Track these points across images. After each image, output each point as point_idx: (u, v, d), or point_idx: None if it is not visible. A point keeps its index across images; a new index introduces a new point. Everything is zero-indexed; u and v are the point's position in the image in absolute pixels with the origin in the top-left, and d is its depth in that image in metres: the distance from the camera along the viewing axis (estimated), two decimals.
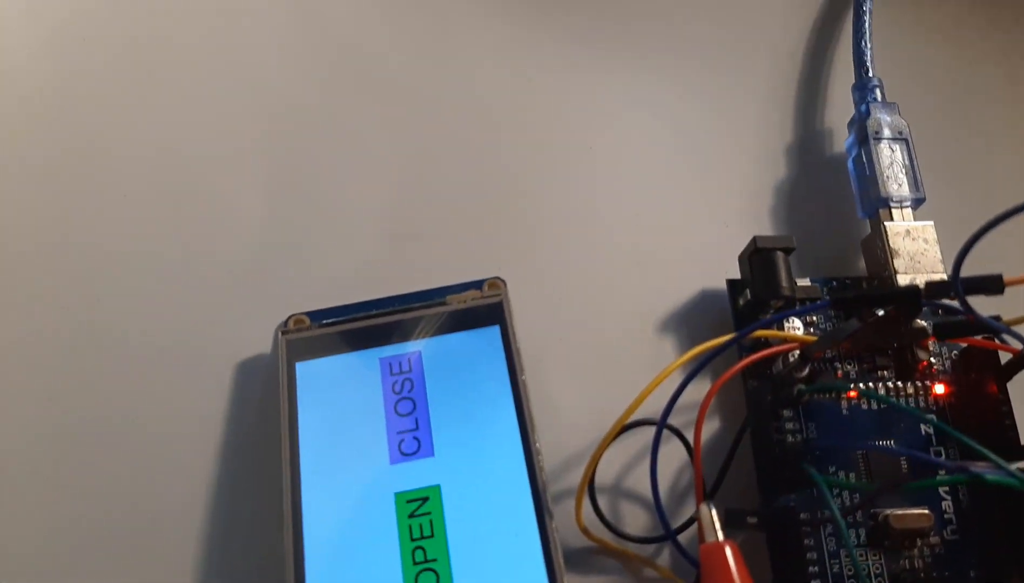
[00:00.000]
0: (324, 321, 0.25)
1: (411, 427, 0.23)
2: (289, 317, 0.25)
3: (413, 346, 0.25)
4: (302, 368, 0.24)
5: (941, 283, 0.20)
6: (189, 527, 0.23)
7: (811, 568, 0.23)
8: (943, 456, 0.24)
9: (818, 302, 0.24)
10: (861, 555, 0.23)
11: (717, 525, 0.20)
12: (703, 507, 0.20)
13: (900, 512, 0.23)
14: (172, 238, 0.27)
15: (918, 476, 0.21)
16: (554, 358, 0.26)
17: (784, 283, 0.24)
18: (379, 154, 0.29)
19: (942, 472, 0.22)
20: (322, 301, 0.26)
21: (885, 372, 0.25)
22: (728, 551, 0.19)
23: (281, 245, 0.27)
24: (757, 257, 0.25)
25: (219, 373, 0.25)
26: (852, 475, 0.24)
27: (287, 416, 0.23)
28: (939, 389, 0.25)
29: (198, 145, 0.28)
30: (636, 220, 0.28)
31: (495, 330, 0.25)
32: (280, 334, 0.25)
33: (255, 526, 0.23)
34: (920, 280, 0.25)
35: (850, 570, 0.23)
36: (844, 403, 0.25)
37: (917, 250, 0.25)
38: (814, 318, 0.26)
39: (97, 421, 0.24)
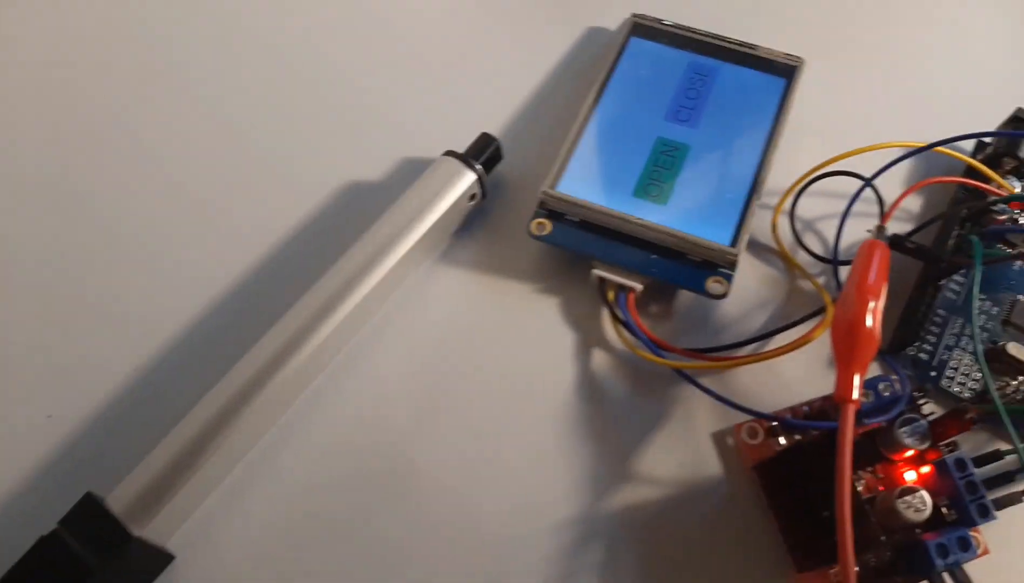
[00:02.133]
0: (664, 22, 0.33)
1: (689, 105, 0.31)
2: (641, 13, 0.34)
3: (717, 63, 0.32)
4: (634, 42, 0.33)
5: None
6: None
7: (930, 330, 0.28)
8: None
9: None
10: (968, 358, 0.28)
11: (882, 232, 0.26)
12: (877, 226, 0.26)
13: (1021, 346, 0.28)
14: None
15: None
16: (809, 123, 0.32)
17: (1022, 152, 0.29)
18: None
19: None
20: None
21: None
22: (880, 249, 0.25)
23: None
24: (1012, 123, 0.29)
25: (576, 29, 0.34)
26: (996, 309, 0.28)
27: (609, 66, 0.32)
28: None
29: None
30: (939, 52, 0.34)
31: (781, 81, 0.31)
32: (632, 15, 0.33)
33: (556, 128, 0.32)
34: None
35: (959, 351, 0.28)
36: (1019, 264, 0.29)
37: None
38: None
39: None
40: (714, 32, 0.33)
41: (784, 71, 0.32)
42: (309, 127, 0.33)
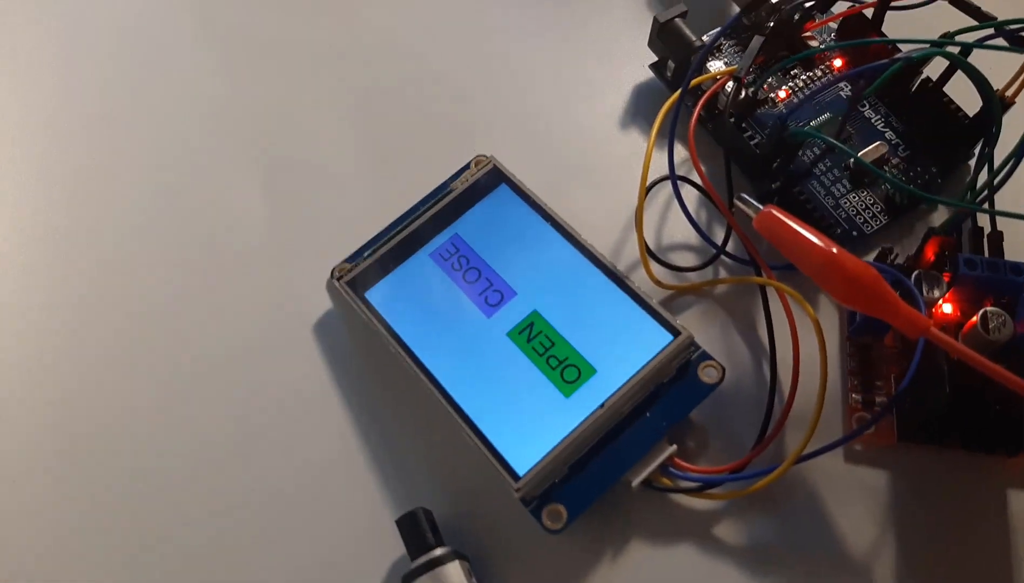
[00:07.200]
0: (364, 254, 0.28)
1: (486, 286, 0.27)
2: (332, 270, 0.28)
3: (449, 232, 0.28)
4: (372, 295, 0.27)
5: None
6: (361, 466, 0.26)
7: (821, 213, 0.28)
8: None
9: (728, 21, 0.29)
10: (854, 197, 0.29)
11: (754, 201, 0.24)
12: (737, 201, 0.25)
13: (862, 153, 0.29)
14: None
15: (868, 84, 0.26)
16: (558, 188, 0.29)
17: (694, 38, 0.29)
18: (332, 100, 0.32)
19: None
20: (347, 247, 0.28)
21: (795, 72, 0.31)
22: (775, 210, 0.24)
23: (289, 230, 0.30)
24: (664, 31, 0.30)
25: (304, 341, 0.27)
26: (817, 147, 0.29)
27: (388, 336, 0.26)
28: (837, 63, 0.31)
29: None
30: (549, 69, 0.32)
31: (503, 188, 0.28)
32: (336, 282, 0.27)
33: (412, 438, 0.26)
34: None
35: (844, 201, 0.28)
36: (779, 107, 0.30)
37: None
38: (726, 59, 0.31)
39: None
40: (406, 211, 0.29)
41: (493, 180, 0.28)
42: None
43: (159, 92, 0.32)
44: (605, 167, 0.30)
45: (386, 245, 0.28)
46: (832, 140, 0.25)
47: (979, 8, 0.28)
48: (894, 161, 0.29)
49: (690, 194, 0.28)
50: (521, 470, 0.23)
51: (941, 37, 0.28)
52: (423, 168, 0.29)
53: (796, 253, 0.23)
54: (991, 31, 0.27)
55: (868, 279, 0.22)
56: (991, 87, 0.26)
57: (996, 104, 0.26)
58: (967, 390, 0.23)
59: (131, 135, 0.31)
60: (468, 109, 0.32)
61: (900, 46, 0.28)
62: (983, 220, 0.27)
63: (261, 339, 0.27)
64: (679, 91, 0.28)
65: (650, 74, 0.31)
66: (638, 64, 0.31)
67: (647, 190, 0.27)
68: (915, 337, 0.22)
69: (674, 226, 0.28)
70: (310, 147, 0.31)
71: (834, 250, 0.22)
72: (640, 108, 0.31)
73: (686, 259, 0.28)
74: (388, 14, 0.33)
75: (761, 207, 0.24)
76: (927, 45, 0.26)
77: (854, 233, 0.28)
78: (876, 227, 0.28)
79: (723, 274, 0.28)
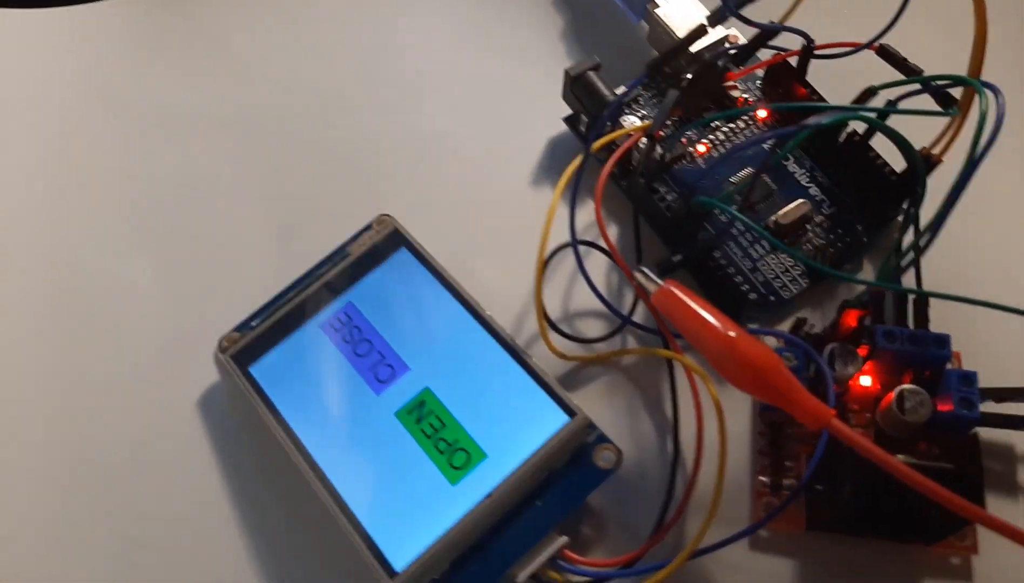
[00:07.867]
0: (252, 324, 0.26)
1: (377, 359, 0.25)
2: (220, 340, 0.26)
3: (342, 300, 0.26)
4: (256, 369, 0.25)
5: (716, 10, 0.24)
6: (241, 555, 0.24)
7: (736, 278, 0.27)
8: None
9: (635, 79, 0.27)
10: (772, 259, 0.27)
11: (654, 276, 0.23)
12: (636, 273, 0.23)
13: (783, 211, 0.27)
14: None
15: (778, 147, 0.25)
16: (463, 251, 0.28)
17: (607, 92, 0.28)
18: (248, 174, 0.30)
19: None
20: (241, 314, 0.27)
21: (717, 124, 0.29)
22: (674, 288, 0.22)
23: (178, 298, 0.28)
24: (576, 85, 0.28)
25: (186, 415, 0.26)
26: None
27: (268, 414, 0.25)
28: (762, 113, 0.29)
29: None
30: (462, 123, 0.31)
31: (403, 252, 0.27)
32: (220, 354, 0.26)
33: (292, 522, 0.24)
34: None
35: (762, 263, 0.27)
36: (700, 161, 0.29)
37: (687, 15, 0.29)
38: (644, 112, 0.29)
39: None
40: (300, 276, 0.27)
41: (392, 243, 0.27)
42: None
43: (40, 159, 0.30)
44: (513, 228, 0.28)
45: (275, 315, 0.26)
46: (737, 214, 0.24)
47: (906, 60, 0.26)
48: (818, 219, 0.28)
49: (599, 258, 0.27)
50: (398, 565, 0.22)
51: (865, 90, 0.26)
52: (325, 227, 0.28)
53: (693, 336, 0.22)
54: (917, 86, 0.26)
55: (765, 367, 0.20)
56: (915, 150, 0.25)
57: (921, 166, 0.25)
58: (877, 481, 0.22)
59: (9, 204, 0.29)
60: (373, 164, 0.30)
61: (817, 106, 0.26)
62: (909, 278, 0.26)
63: (141, 415, 0.26)
64: (582, 154, 0.26)
65: (563, 127, 0.30)
66: (554, 117, 0.30)
67: (548, 258, 0.25)
68: (816, 429, 0.21)
69: (581, 293, 0.27)
70: (202, 210, 0.29)
71: (731, 334, 0.21)
72: (553, 164, 0.29)
73: (593, 328, 0.27)
74: (283, 64, 0.32)
75: (660, 282, 0.23)
76: (840, 110, 0.24)
77: (771, 298, 0.26)
78: (796, 291, 0.27)
79: (632, 343, 0.26)
